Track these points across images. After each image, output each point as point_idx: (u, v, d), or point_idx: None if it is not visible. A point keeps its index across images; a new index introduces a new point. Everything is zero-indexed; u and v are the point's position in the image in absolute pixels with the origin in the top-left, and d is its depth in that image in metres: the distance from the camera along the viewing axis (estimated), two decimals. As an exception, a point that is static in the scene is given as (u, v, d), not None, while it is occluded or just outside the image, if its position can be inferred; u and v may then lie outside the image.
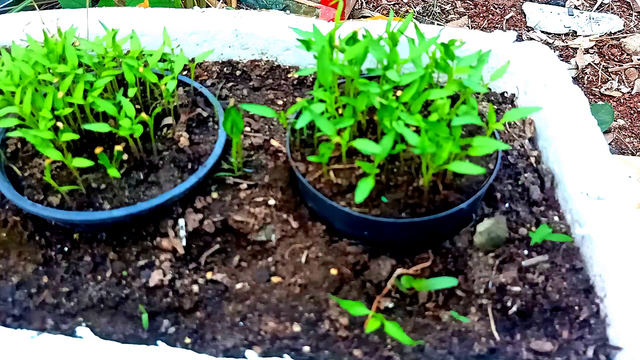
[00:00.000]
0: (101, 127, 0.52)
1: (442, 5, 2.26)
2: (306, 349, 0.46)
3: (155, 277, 0.50)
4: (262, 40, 0.72)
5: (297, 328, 0.48)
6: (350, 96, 0.54)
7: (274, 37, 0.71)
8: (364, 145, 0.46)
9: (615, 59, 2.03)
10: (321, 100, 0.51)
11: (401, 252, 0.52)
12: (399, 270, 0.49)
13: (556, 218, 0.57)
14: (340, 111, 0.54)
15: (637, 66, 2.01)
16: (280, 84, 0.71)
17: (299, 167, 0.53)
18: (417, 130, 0.48)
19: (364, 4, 2.25)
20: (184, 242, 0.52)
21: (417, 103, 0.49)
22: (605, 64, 2.02)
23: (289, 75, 0.71)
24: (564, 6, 2.05)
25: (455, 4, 2.29)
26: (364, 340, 0.47)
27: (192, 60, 0.67)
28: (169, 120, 0.58)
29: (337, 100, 0.51)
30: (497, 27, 2.13)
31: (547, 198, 0.59)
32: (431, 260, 0.52)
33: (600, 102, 1.91)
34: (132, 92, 0.54)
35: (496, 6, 2.27)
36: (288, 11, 0.93)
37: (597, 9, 2.18)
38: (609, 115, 1.43)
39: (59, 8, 0.92)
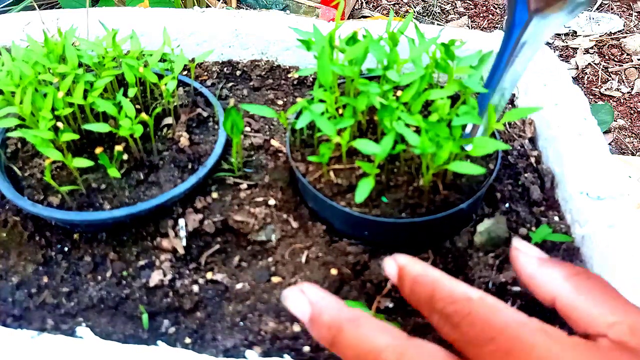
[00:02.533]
0: (101, 127, 0.52)
1: (442, 5, 2.26)
2: (306, 349, 0.46)
3: (155, 277, 0.50)
4: (262, 40, 0.72)
5: (297, 328, 0.48)
6: (350, 96, 0.54)
7: (274, 37, 0.71)
8: (364, 145, 0.46)
9: (615, 59, 2.03)
10: (321, 101, 0.51)
11: (401, 252, 0.52)
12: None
13: (556, 218, 0.57)
14: (340, 111, 0.54)
15: (637, 66, 2.01)
16: (280, 84, 0.71)
17: (299, 167, 0.53)
18: (418, 131, 0.48)
19: (364, 4, 2.25)
20: (184, 242, 0.52)
21: (417, 103, 0.49)
22: (605, 64, 2.02)
23: (289, 75, 0.71)
24: (564, 6, 2.05)
25: (455, 4, 2.30)
26: (364, 340, 0.47)
27: (192, 60, 0.67)
28: (169, 120, 0.58)
29: (337, 100, 0.51)
30: (497, 27, 2.13)
31: (547, 198, 0.59)
32: (431, 260, 0.52)
33: (600, 102, 1.91)
34: (132, 92, 0.54)
35: (496, 6, 2.27)
36: (288, 11, 0.93)
37: (597, 9, 2.18)
38: (609, 115, 1.43)
39: (59, 8, 0.92)
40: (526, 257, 0.37)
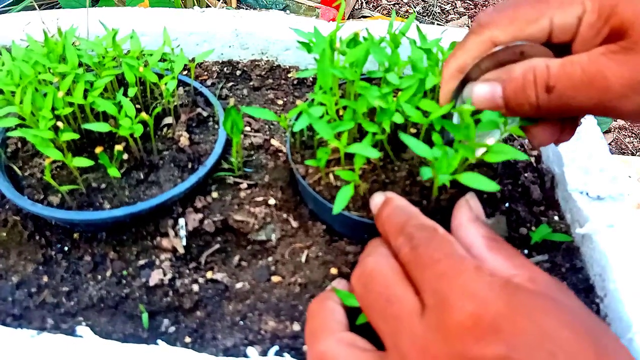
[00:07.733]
0: (101, 127, 0.52)
1: (442, 5, 2.26)
2: (306, 347, 0.46)
3: (155, 277, 0.50)
4: (262, 40, 0.72)
5: (297, 327, 0.48)
6: (351, 98, 0.54)
7: (274, 37, 0.71)
8: (360, 149, 0.45)
9: (615, 59, 2.02)
10: (321, 104, 0.51)
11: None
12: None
13: (556, 218, 0.57)
14: (340, 112, 0.53)
15: (637, 66, 2.00)
16: (280, 84, 0.71)
17: (299, 169, 0.53)
18: (417, 134, 0.48)
19: (364, 4, 2.25)
20: (184, 242, 0.52)
21: (411, 107, 0.48)
22: (605, 64, 2.01)
23: (289, 75, 0.71)
24: (564, 6, 2.05)
25: (455, 4, 2.30)
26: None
27: (192, 60, 0.67)
28: (169, 120, 0.58)
29: (337, 102, 0.51)
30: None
31: (547, 198, 0.59)
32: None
33: (600, 102, 1.90)
34: (132, 91, 0.54)
35: (496, 6, 2.26)
36: (288, 11, 0.93)
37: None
38: (609, 115, 1.43)
39: (59, 8, 0.92)
40: (468, 210, 0.42)
